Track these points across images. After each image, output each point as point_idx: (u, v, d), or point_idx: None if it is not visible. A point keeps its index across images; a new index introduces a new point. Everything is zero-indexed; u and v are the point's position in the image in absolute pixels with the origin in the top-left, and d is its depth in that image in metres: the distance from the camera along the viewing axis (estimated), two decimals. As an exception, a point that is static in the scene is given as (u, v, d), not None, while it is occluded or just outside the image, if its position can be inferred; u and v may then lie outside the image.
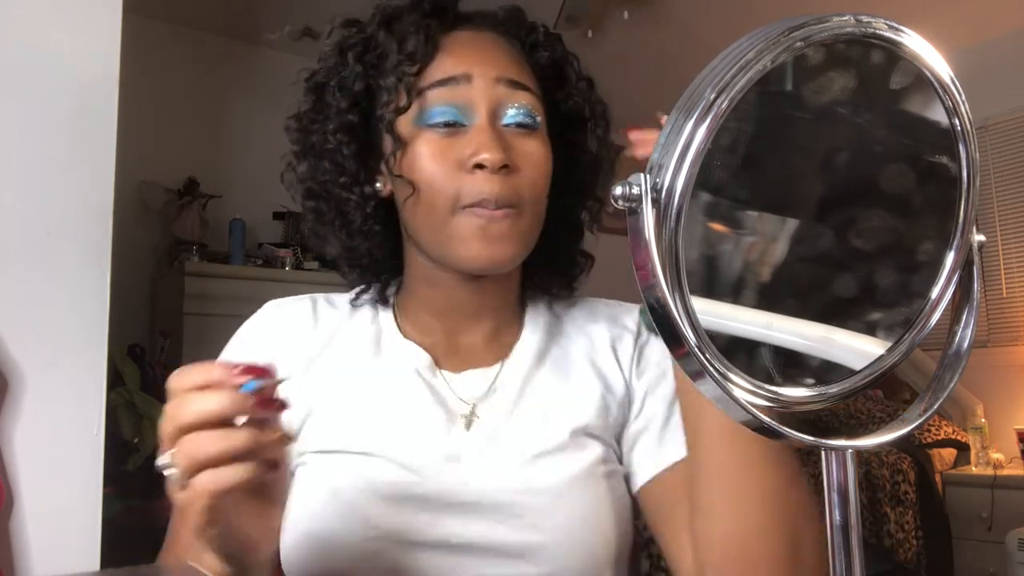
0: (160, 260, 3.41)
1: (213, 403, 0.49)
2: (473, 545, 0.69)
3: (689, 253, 0.38)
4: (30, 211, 1.39)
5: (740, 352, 0.40)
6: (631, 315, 0.83)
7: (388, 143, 0.74)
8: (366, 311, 0.82)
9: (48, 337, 1.39)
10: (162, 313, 3.29)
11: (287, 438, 0.53)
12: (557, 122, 0.79)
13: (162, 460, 0.51)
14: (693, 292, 0.38)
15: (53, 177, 1.42)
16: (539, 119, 0.75)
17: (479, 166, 0.70)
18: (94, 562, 1.39)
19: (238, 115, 3.72)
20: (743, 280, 0.43)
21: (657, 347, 0.80)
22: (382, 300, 0.83)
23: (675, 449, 0.73)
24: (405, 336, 0.80)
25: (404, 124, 0.73)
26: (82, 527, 1.39)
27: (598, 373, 0.79)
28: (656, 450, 0.75)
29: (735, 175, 0.41)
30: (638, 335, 0.82)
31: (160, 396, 2.91)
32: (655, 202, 0.37)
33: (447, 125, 0.72)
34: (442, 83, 0.73)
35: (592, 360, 0.80)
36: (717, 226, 0.41)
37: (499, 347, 0.80)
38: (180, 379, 0.51)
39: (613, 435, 0.77)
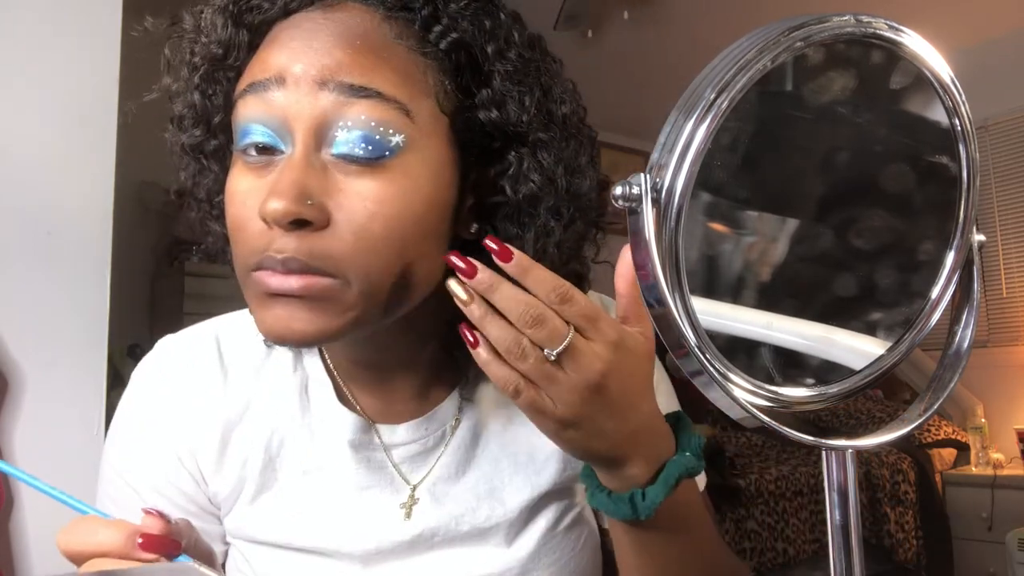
0: (160, 260, 3.41)
1: (108, 546, 0.46)
2: None
3: (689, 253, 0.38)
4: (30, 211, 1.39)
5: (740, 352, 0.40)
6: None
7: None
8: (283, 353, 0.67)
9: (48, 337, 1.39)
10: (162, 313, 3.29)
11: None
12: (481, 130, 0.57)
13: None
14: (693, 292, 0.38)
15: (53, 177, 1.42)
16: (397, 140, 0.51)
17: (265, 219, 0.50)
18: (94, 562, 1.39)
19: (238, 115, 3.71)
20: (743, 280, 0.43)
21: None
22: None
23: None
24: (332, 379, 0.66)
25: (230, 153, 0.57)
26: (82, 527, 1.39)
27: None
28: None
29: (735, 175, 0.41)
30: None
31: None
32: (655, 202, 0.37)
33: (260, 150, 0.52)
34: (251, 89, 0.52)
35: None
36: (717, 226, 0.41)
37: (436, 394, 0.67)
38: (85, 536, 0.46)
39: (573, 480, 0.69)
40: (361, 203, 0.50)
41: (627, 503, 0.54)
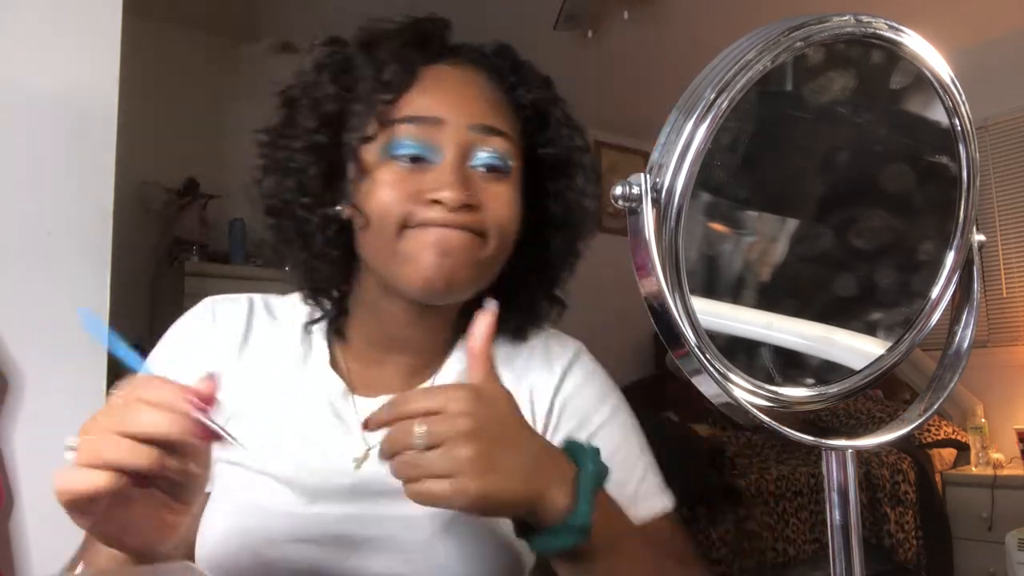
0: (160, 260, 3.41)
1: (164, 426, 0.49)
2: None
3: (689, 253, 0.38)
4: (30, 211, 1.39)
5: (740, 352, 0.40)
6: (561, 360, 0.82)
7: (351, 169, 0.73)
8: (300, 325, 0.81)
9: (48, 337, 1.39)
10: (162, 313, 3.29)
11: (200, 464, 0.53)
12: (536, 168, 0.78)
13: (70, 440, 0.50)
14: (693, 292, 0.38)
15: (53, 177, 1.42)
16: (511, 164, 0.73)
17: (437, 202, 0.68)
18: (94, 562, 1.39)
19: (238, 115, 3.70)
20: (743, 280, 0.43)
21: (581, 397, 0.81)
22: (327, 321, 0.81)
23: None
24: (332, 359, 0.79)
25: (370, 152, 0.72)
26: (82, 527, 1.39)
27: None
28: None
29: (735, 175, 0.41)
30: (558, 389, 0.80)
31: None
32: (655, 202, 0.37)
33: (413, 159, 0.71)
34: (412, 120, 0.71)
35: None
36: (717, 226, 0.41)
37: (417, 380, 0.79)
38: (146, 390, 0.50)
39: None
40: (499, 199, 0.72)
41: (566, 529, 0.59)
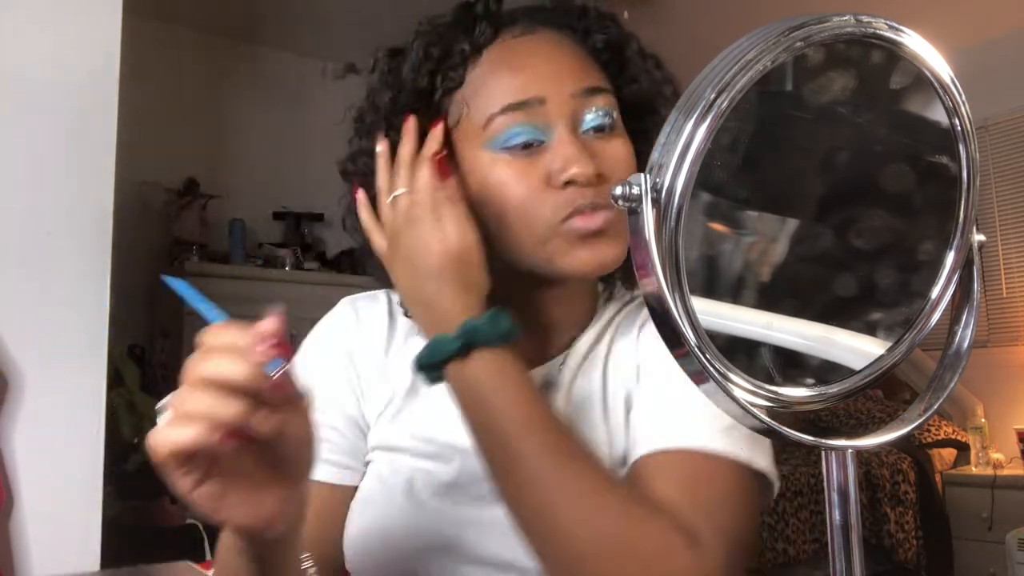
0: (160, 260, 3.41)
1: (228, 370, 0.46)
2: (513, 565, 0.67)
3: (689, 253, 0.38)
4: (30, 211, 1.39)
5: (740, 352, 0.40)
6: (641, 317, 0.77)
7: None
8: None
9: (48, 337, 1.39)
10: (162, 313, 3.29)
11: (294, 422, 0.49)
12: (625, 107, 0.74)
13: (163, 402, 0.49)
14: (693, 292, 0.38)
15: (53, 177, 1.42)
16: (616, 115, 0.71)
17: (570, 182, 0.67)
18: (94, 562, 1.39)
19: (238, 115, 3.72)
20: (743, 280, 0.43)
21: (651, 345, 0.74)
22: None
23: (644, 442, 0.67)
24: None
25: (469, 147, 0.70)
26: (82, 527, 1.39)
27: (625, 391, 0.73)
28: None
29: (735, 175, 0.41)
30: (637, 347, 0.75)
31: (160, 396, 2.92)
32: (655, 202, 0.37)
33: (525, 146, 0.68)
34: (514, 107, 0.68)
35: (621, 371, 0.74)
36: (717, 226, 0.41)
37: (557, 341, 0.76)
38: (213, 335, 0.48)
39: None
40: (614, 158, 0.70)
41: (435, 342, 0.64)
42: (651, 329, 0.71)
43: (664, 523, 0.57)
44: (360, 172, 0.75)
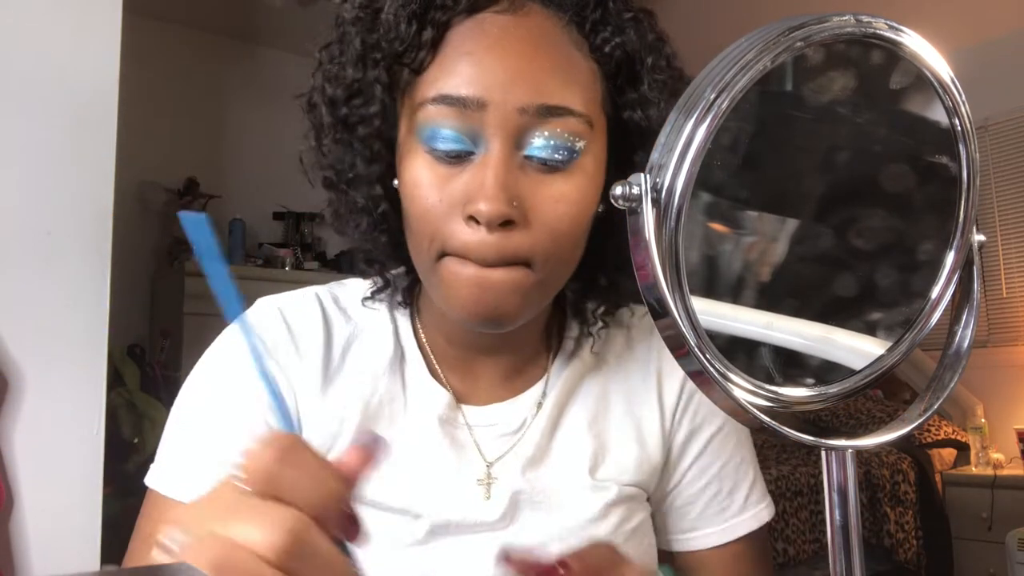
0: (160, 260, 3.41)
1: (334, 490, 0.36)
2: None
3: (689, 253, 0.38)
4: (30, 211, 1.39)
5: (740, 352, 0.40)
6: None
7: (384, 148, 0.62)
8: (382, 319, 0.69)
9: (48, 337, 1.39)
10: (162, 313, 3.29)
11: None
12: (621, 125, 0.62)
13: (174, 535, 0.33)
14: (693, 292, 0.38)
15: (53, 177, 1.42)
16: (580, 146, 0.56)
17: (471, 217, 0.54)
18: (94, 562, 1.39)
19: (238, 115, 3.72)
20: (743, 280, 0.43)
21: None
22: (402, 303, 0.69)
23: (741, 523, 0.73)
24: (424, 355, 0.69)
25: (406, 122, 0.59)
26: (82, 527, 1.39)
27: (634, 418, 0.71)
28: (719, 517, 0.73)
29: (735, 175, 0.41)
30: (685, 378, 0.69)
31: (160, 396, 2.92)
32: (655, 202, 0.37)
33: (451, 154, 0.56)
34: (445, 100, 0.55)
35: (628, 399, 0.72)
36: (717, 226, 0.41)
37: (523, 382, 0.70)
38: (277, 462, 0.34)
39: (644, 487, 0.71)
40: (553, 205, 0.56)
41: None
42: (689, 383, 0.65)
43: None
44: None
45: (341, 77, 0.62)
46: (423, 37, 0.57)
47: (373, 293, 0.69)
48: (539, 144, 0.55)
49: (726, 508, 0.73)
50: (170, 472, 0.64)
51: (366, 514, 0.57)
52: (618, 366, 0.73)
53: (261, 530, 0.32)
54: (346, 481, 0.37)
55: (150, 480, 0.65)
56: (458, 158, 0.56)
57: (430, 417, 0.67)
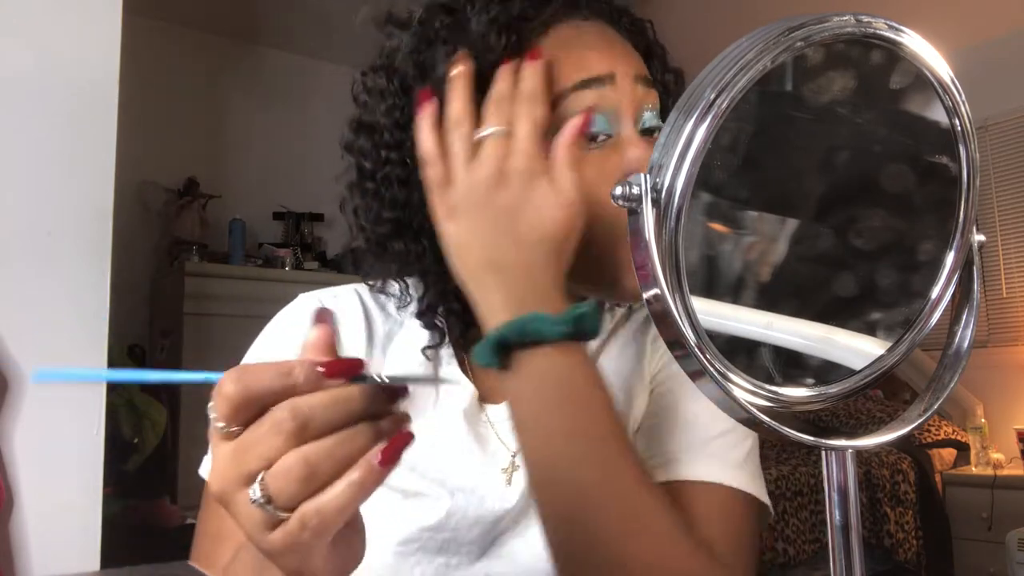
0: (160, 260, 3.41)
1: (355, 401, 0.37)
2: None
3: (689, 253, 0.38)
4: (30, 211, 1.39)
5: (740, 352, 0.40)
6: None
7: None
8: (413, 318, 0.71)
9: (48, 337, 1.39)
10: (162, 313, 3.29)
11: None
12: None
13: (255, 494, 0.36)
14: (693, 292, 0.38)
15: (53, 177, 1.42)
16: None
17: None
18: (94, 562, 1.39)
19: (238, 115, 3.72)
20: (743, 280, 0.43)
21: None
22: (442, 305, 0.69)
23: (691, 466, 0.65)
24: (457, 352, 0.70)
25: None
26: (82, 527, 1.39)
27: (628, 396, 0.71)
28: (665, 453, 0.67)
29: (735, 175, 0.41)
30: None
31: (160, 396, 2.93)
32: (655, 202, 0.37)
33: (592, 138, 0.60)
34: (586, 84, 0.60)
35: (625, 377, 0.72)
36: (717, 226, 0.41)
37: None
38: (247, 383, 0.36)
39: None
40: None
41: (531, 319, 0.54)
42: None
43: (707, 559, 0.56)
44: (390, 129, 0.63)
45: (467, 39, 0.62)
46: (510, 46, 0.61)
47: (410, 299, 0.70)
48: (648, 116, 0.62)
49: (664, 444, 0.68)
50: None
51: (388, 498, 0.62)
52: (631, 341, 0.74)
53: (261, 447, 0.36)
54: (316, 349, 0.39)
55: (202, 469, 0.64)
56: (594, 141, 0.60)
57: (456, 411, 0.68)
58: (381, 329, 0.71)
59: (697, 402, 0.69)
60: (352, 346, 0.69)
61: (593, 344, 0.72)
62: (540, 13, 0.63)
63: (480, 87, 0.60)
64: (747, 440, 0.68)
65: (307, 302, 0.72)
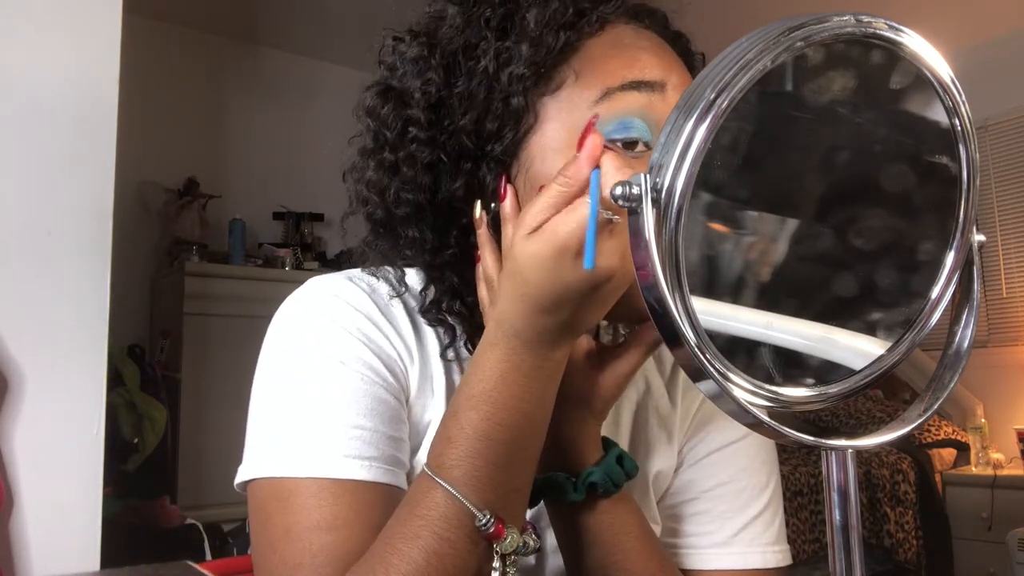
0: (160, 260, 3.41)
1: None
2: None
3: (689, 253, 0.38)
4: (30, 211, 1.39)
5: (740, 352, 0.40)
6: None
7: (527, 156, 0.59)
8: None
9: (48, 337, 1.39)
10: (162, 313, 3.29)
11: None
12: None
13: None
14: (693, 292, 0.38)
15: (53, 177, 1.42)
16: None
17: None
18: (94, 562, 1.39)
19: (238, 115, 3.72)
20: (743, 280, 0.42)
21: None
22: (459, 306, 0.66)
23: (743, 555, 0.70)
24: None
25: (569, 119, 0.58)
26: (82, 527, 1.39)
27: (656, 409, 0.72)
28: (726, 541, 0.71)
29: (735, 175, 0.41)
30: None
31: (160, 396, 2.91)
32: (655, 202, 0.37)
33: (628, 144, 0.56)
34: (635, 86, 0.57)
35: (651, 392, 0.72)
36: (717, 226, 0.41)
37: None
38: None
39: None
40: None
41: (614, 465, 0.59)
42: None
43: None
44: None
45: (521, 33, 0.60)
46: (560, 46, 0.58)
47: (428, 304, 0.66)
48: None
49: (718, 530, 0.71)
50: (301, 452, 0.58)
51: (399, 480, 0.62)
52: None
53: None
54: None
55: (269, 470, 0.58)
56: (631, 147, 0.56)
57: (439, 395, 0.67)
58: (430, 339, 0.67)
59: (737, 480, 0.72)
60: (403, 349, 0.64)
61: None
62: (598, 9, 0.60)
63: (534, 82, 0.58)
64: (779, 510, 0.74)
65: (358, 294, 0.64)
